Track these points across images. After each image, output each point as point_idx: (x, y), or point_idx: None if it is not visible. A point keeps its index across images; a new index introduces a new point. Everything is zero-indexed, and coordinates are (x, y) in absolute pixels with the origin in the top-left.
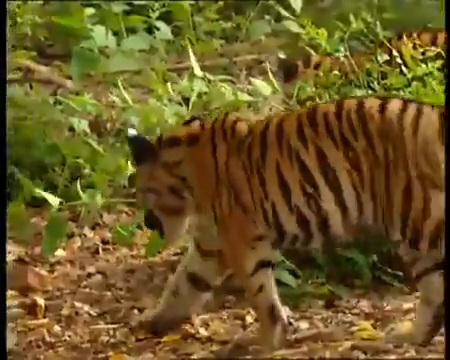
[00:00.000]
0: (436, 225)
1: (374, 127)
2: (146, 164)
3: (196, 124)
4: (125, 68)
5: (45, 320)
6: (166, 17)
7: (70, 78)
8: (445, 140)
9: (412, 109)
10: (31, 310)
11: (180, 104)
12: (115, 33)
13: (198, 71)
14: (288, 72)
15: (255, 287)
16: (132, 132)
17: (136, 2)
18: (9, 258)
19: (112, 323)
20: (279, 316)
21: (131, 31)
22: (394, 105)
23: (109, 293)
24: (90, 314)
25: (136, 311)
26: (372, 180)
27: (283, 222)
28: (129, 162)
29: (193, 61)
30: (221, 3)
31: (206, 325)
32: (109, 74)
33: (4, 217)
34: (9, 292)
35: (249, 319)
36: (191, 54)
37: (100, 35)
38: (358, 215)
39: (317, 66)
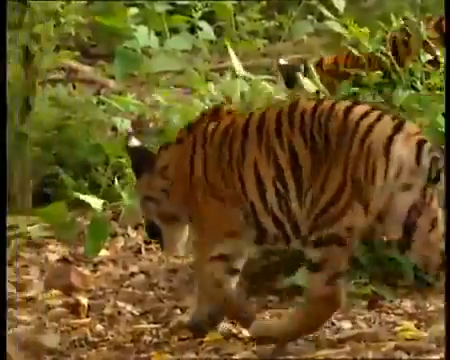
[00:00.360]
0: (335, 234)
1: (334, 128)
2: (145, 174)
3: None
4: (168, 68)
5: (88, 319)
6: (209, 17)
7: (113, 78)
8: (445, 140)
9: (372, 116)
10: (74, 309)
11: (222, 104)
12: (158, 33)
13: (240, 69)
14: (289, 77)
15: (208, 274)
16: (134, 142)
17: (179, 2)
18: (53, 257)
19: (154, 323)
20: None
21: (174, 31)
22: (359, 110)
23: (152, 293)
24: (133, 314)
25: (178, 311)
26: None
27: (262, 221)
28: None
29: (234, 61)
30: (264, 3)
31: None
32: (152, 74)
33: (4, 217)
34: (53, 291)
35: None
36: (232, 54)
37: (143, 35)
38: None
39: (329, 69)
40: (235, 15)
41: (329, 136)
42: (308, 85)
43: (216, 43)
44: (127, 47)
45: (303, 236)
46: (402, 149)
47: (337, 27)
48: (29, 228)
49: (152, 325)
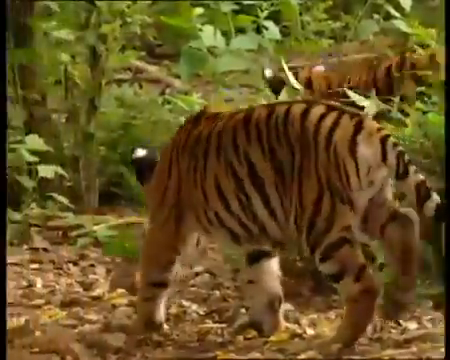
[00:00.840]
0: (336, 240)
1: (294, 134)
2: (148, 182)
3: None
4: (233, 68)
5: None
6: (275, 17)
7: (179, 77)
8: (445, 139)
9: (330, 119)
10: None
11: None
12: (224, 33)
13: (294, 82)
14: (276, 88)
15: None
16: (140, 153)
17: (245, 2)
18: (118, 257)
19: (220, 322)
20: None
21: (240, 31)
22: (315, 112)
23: (217, 292)
24: (198, 313)
25: (244, 310)
26: (291, 187)
27: (230, 227)
28: None
29: (289, 76)
30: (330, 2)
31: (313, 325)
32: (218, 74)
33: (4, 217)
34: (118, 290)
35: None
36: (286, 68)
37: (209, 35)
38: (285, 221)
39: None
40: (301, 15)
41: (289, 142)
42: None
43: (282, 43)
44: (193, 47)
45: (308, 257)
46: (366, 149)
47: (403, 26)
48: (95, 227)
49: (217, 325)
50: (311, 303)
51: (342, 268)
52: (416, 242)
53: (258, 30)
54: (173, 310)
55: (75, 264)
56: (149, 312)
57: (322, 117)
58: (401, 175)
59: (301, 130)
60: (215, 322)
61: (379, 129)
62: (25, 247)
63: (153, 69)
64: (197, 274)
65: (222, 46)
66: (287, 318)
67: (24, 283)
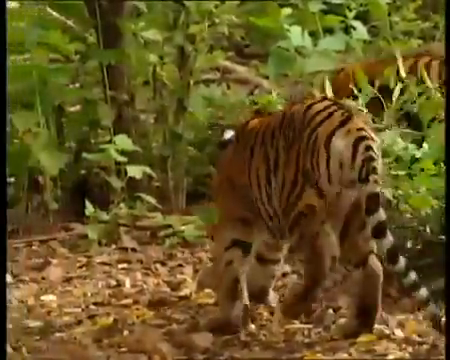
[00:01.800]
0: (298, 213)
1: (297, 126)
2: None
3: None
4: (321, 68)
5: None
6: (363, 17)
7: (267, 78)
8: (445, 139)
9: (323, 114)
10: None
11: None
12: (312, 33)
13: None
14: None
15: (224, 261)
16: (229, 135)
17: (333, 1)
18: (206, 257)
19: (307, 323)
20: (240, 295)
21: (328, 31)
22: (317, 107)
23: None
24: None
25: (331, 311)
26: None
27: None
28: None
29: (400, 64)
30: (419, 2)
31: (402, 326)
32: (305, 74)
33: (4, 217)
34: (205, 290)
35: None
36: (398, 55)
37: (297, 35)
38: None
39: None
40: (390, 15)
41: (294, 135)
42: None
43: (370, 43)
44: (281, 47)
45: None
46: (341, 143)
47: None
48: (183, 227)
49: (304, 325)
50: (399, 304)
51: (300, 239)
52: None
53: (346, 30)
54: (260, 310)
55: (163, 264)
56: (231, 279)
57: (318, 112)
58: (362, 179)
59: (300, 122)
60: (302, 323)
61: (360, 129)
62: (113, 247)
63: (241, 69)
64: (284, 275)
65: (310, 46)
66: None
67: (113, 282)
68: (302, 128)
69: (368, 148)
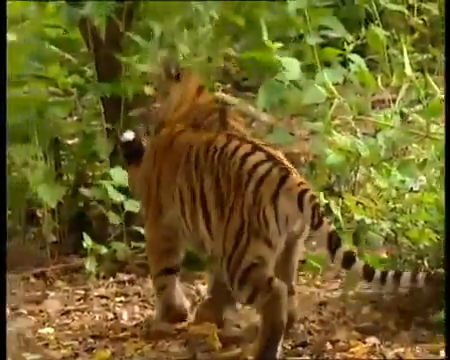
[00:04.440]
0: (247, 266)
1: (234, 172)
2: (135, 165)
3: None
4: (319, 100)
5: (239, 350)
6: (361, 50)
7: (265, 110)
8: (445, 140)
9: (264, 168)
10: (225, 342)
11: (374, 137)
12: (310, 66)
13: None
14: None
15: (157, 287)
16: (129, 136)
17: (331, 34)
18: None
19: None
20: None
21: (325, 64)
22: (253, 159)
23: (302, 326)
24: (284, 347)
25: (329, 344)
26: (223, 215)
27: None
28: (322, 194)
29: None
30: (417, 35)
31: (399, 359)
32: (302, 106)
33: (4, 217)
34: (204, 323)
35: (442, 354)
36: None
37: (292, 67)
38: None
39: None
40: (388, 48)
41: (229, 178)
42: None
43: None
44: (276, 79)
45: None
46: (286, 201)
47: None
48: None
49: (303, 358)
50: (397, 337)
51: (255, 289)
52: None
53: (344, 63)
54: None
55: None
56: (167, 298)
57: (256, 165)
58: (316, 225)
59: (238, 172)
60: (299, 355)
61: (300, 184)
62: (111, 280)
63: (236, 101)
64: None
65: (304, 79)
66: (373, 352)
67: (110, 315)
68: (241, 178)
69: (312, 198)
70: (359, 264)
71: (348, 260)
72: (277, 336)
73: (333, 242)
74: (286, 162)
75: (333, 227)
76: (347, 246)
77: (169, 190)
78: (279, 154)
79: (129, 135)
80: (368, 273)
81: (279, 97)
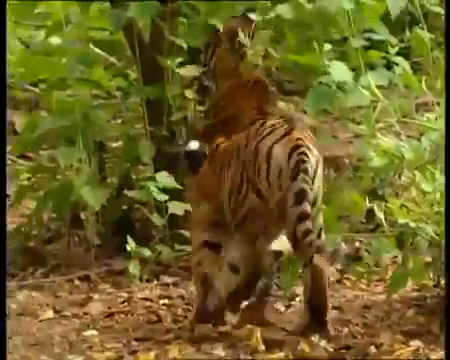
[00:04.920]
0: (241, 218)
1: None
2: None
3: None
4: (362, 103)
5: (282, 354)
6: (405, 53)
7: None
8: (445, 140)
9: (269, 128)
10: (269, 345)
11: (418, 140)
12: (353, 68)
13: None
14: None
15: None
16: (194, 146)
17: (375, 37)
18: None
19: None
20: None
21: (370, 67)
22: (268, 123)
23: (345, 329)
24: (326, 349)
25: (373, 347)
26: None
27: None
28: (366, 198)
29: None
30: None
31: None
32: (347, 109)
33: (4, 217)
34: (247, 326)
35: None
36: None
37: (338, 70)
38: None
39: None
40: (432, 50)
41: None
42: None
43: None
44: (322, 82)
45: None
46: (279, 153)
47: None
48: None
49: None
50: (441, 341)
51: (248, 236)
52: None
53: (388, 66)
54: (301, 346)
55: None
56: (204, 275)
57: (267, 126)
58: (292, 177)
59: (251, 137)
60: (343, 358)
61: (297, 139)
62: (155, 282)
63: (282, 105)
64: None
65: (350, 81)
66: (417, 355)
67: (154, 318)
68: (250, 142)
69: (301, 153)
70: (308, 225)
71: (301, 218)
72: (250, 285)
73: (297, 198)
74: (302, 130)
75: (304, 186)
76: (306, 206)
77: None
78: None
79: (194, 145)
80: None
81: (328, 101)
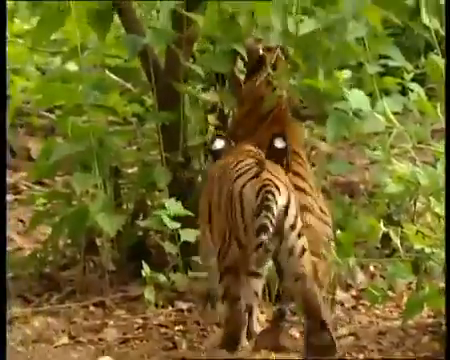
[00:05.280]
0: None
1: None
2: None
3: None
4: (378, 130)
5: None
6: (421, 79)
7: (323, 139)
8: (445, 140)
9: (242, 167)
10: None
11: (434, 166)
12: (369, 94)
13: None
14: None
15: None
16: (219, 144)
17: (391, 64)
18: (263, 317)
19: None
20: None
21: (385, 93)
22: (242, 164)
23: (361, 355)
24: None
25: None
26: None
27: None
28: (383, 224)
29: None
30: None
31: None
32: (362, 135)
33: (4, 217)
34: (262, 351)
35: None
36: None
37: (356, 97)
38: None
39: None
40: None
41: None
42: None
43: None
44: (339, 109)
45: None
46: (250, 192)
47: None
48: None
49: None
50: None
51: (225, 293)
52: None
53: (403, 92)
54: None
55: (219, 325)
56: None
57: (242, 167)
58: (257, 214)
59: (229, 175)
60: None
61: (265, 179)
62: (170, 308)
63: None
64: (340, 337)
65: (368, 108)
66: None
67: (169, 344)
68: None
69: (267, 192)
70: (265, 253)
71: (259, 246)
72: (229, 343)
73: (258, 232)
74: (266, 164)
75: (265, 221)
76: (265, 237)
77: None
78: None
79: (219, 143)
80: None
81: (346, 128)
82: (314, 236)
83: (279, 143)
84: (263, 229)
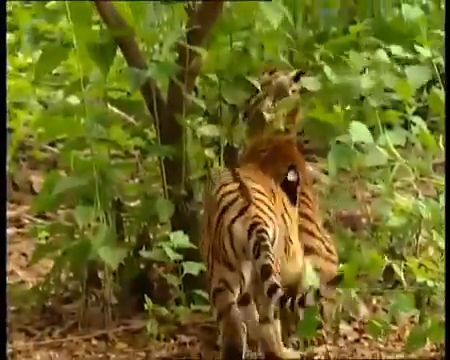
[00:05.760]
0: (214, 289)
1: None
2: None
3: None
4: (380, 163)
5: None
6: (423, 112)
7: (326, 173)
8: (445, 139)
9: (229, 197)
10: None
11: (436, 199)
12: (371, 128)
13: None
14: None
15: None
16: (293, 177)
17: (393, 97)
18: None
19: None
20: None
21: (387, 126)
22: (226, 189)
23: None
24: None
25: None
26: None
27: None
28: (386, 257)
29: None
30: None
31: None
32: (365, 168)
33: (4, 217)
34: None
35: None
36: None
37: (358, 131)
38: None
39: None
40: None
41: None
42: None
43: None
44: (341, 142)
45: None
46: (240, 229)
47: None
48: None
49: None
50: None
51: (219, 313)
52: None
53: (406, 125)
54: None
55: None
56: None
57: (225, 194)
58: (256, 256)
59: (213, 199)
60: None
61: (255, 216)
62: (172, 342)
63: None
64: None
65: (370, 141)
66: None
67: None
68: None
69: (260, 231)
70: (278, 294)
71: (271, 290)
72: (231, 354)
73: (263, 274)
74: (253, 194)
75: (268, 261)
76: (274, 279)
77: None
78: (255, 186)
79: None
80: (281, 302)
81: (348, 161)
82: (321, 278)
83: (291, 176)
84: (267, 270)
